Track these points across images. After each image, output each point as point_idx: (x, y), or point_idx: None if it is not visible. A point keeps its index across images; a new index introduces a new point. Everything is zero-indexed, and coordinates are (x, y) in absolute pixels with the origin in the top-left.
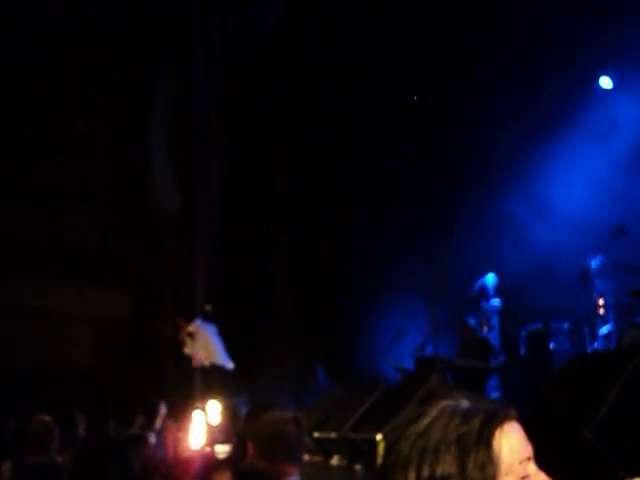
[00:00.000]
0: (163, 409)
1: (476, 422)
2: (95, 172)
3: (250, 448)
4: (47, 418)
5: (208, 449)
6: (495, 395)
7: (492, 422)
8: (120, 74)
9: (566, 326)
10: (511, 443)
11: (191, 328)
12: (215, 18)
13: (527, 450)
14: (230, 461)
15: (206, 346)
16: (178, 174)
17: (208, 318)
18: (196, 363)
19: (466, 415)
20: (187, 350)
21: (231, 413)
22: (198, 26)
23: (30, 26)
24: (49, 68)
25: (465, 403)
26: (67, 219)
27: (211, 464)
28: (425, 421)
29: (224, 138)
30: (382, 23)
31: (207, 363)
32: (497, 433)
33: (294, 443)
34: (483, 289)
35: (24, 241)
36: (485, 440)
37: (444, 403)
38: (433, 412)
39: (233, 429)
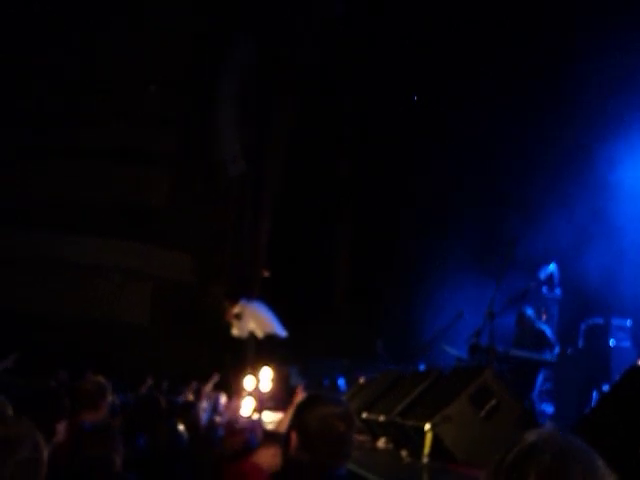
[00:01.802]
0: (215, 375)
1: None
2: (163, 136)
3: (294, 439)
4: (101, 378)
5: (257, 416)
6: (547, 387)
7: None
8: (194, 41)
9: (628, 324)
10: None
11: (237, 309)
12: None
13: None
14: (279, 439)
15: (257, 320)
16: (244, 142)
17: (266, 285)
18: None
19: None
20: (235, 331)
21: (283, 382)
22: None
23: None
24: (126, 35)
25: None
26: (134, 180)
27: (259, 434)
28: None
29: (291, 109)
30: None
31: (260, 334)
32: None
33: (341, 441)
34: (550, 277)
35: (90, 199)
36: None
37: None
38: None
39: (284, 398)
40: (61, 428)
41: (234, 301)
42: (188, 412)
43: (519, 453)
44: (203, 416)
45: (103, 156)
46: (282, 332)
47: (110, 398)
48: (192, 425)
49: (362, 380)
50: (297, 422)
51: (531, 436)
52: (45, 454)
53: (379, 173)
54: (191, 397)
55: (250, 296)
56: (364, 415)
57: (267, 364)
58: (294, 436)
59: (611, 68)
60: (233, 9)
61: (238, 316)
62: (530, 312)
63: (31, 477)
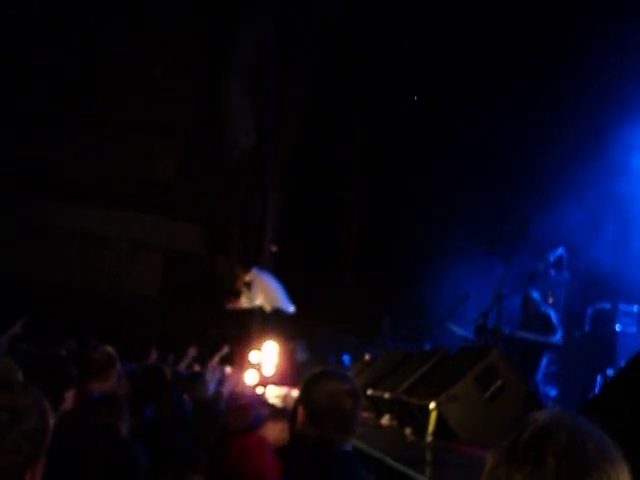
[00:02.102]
0: (224, 347)
1: None
2: (174, 108)
3: (301, 414)
4: (110, 348)
5: (262, 389)
6: (552, 370)
7: None
8: (203, 17)
9: (635, 309)
10: None
11: (248, 277)
12: None
13: None
14: (286, 414)
15: (265, 292)
16: (256, 116)
17: (274, 258)
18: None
19: None
20: (244, 300)
21: (288, 356)
22: None
23: None
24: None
25: None
26: (145, 152)
27: (265, 409)
28: None
29: (303, 85)
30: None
31: (268, 308)
32: None
33: (347, 416)
34: (558, 260)
35: (102, 171)
36: None
37: None
38: None
39: (289, 372)
40: (69, 396)
41: (247, 269)
42: (194, 383)
43: (534, 432)
44: (209, 387)
45: (113, 128)
46: (289, 307)
47: (119, 368)
48: (197, 396)
49: (368, 357)
50: (304, 397)
51: (542, 416)
52: (51, 422)
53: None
54: (197, 368)
55: (261, 268)
56: (369, 392)
57: (273, 338)
58: (301, 411)
59: (624, 53)
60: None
61: (248, 285)
62: (536, 295)
63: (37, 446)
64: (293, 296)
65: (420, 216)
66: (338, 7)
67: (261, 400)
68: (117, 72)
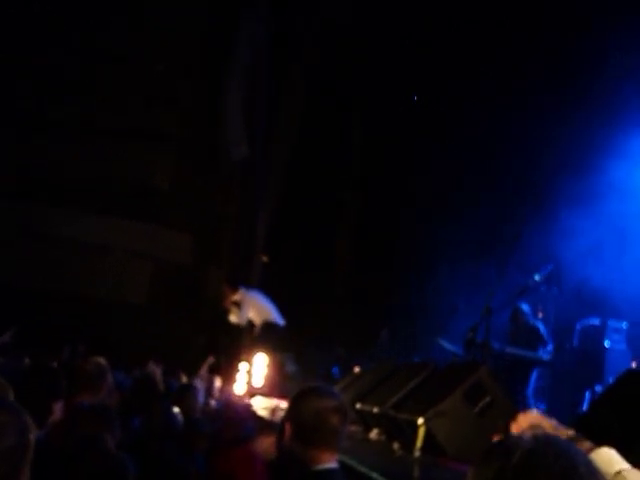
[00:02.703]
0: (210, 358)
1: None
2: (168, 116)
3: (289, 430)
4: (101, 360)
5: (249, 401)
6: (540, 385)
7: None
8: (201, 22)
9: (624, 326)
10: None
11: (237, 297)
12: None
13: None
14: (275, 428)
15: (255, 308)
16: (251, 126)
17: (264, 269)
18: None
19: None
20: (233, 318)
21: (277, 368)
22: None
23: None
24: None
25: None
26: (138, 159)
27: (256, 422)
28: None
29: (299, 94)
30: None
31: (259, 322)
32: None
33: (334, 433)
34: (549, 275)
35: (93, 178)
36: None
37: None
38: None
39: (278, 384)
40: (57, 408)
41: (234, 288)
42: (184, 395)
43: (523, 457)
44: (199, 398)
45: (107, 135)
46: (280, 321)
47: (110, 380)
48: (188, 408)
49: (357, 370)
50: (292, 414)
51: (527, 440)
52: (32, 437)
53: (386, 165)
54: (185, 379)
55: (249, 282)
56: (358, 406)
57: (262, 350)
58: (288, 427)
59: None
60: None
61: (237, 304)
62: (526, 308)
63: (17, 462)
64: (283, 307)
65: (420, 219)
66: (346, 13)
67: (251, 412)
68: (116, 73)
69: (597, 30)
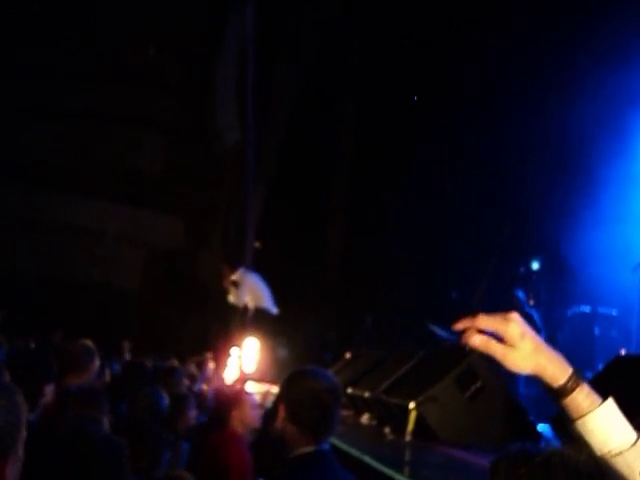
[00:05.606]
0: (203, 355)
1: None
2: (160, 100)
3: (282, 411)
4: (89, 342)
5: (240, 385)
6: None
7: None
8: (193, 7)
9: (614, 313)
10: None
11: (235, 277)
12: None
13: None
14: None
15: (252, 292)
16: (241, 111)
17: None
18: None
19: None
20: (231, 298)
21: (269, 353)
22: None
23: None
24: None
25: None
26: (130, 144)
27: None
28: None
29: (291, 80)
30: None
31: (252, 307)
32: None
33: (327, 414)
34: (541, 263)
35: (85, 162)
36: None
37: None
38: None
39: (269, 370)
40: (49, 390)
41: (233, 268)
42: (171, 377)
43: (537, 469)
44: (188, 382)
45: (99, 119)
46: (273, 308)
47: (97, 362)
48: (173, 390)
49: (348, 355)
50: (285, 395)
51: (541, 451)
52: (24, 417)
53: (378, 151)
54: (176, 363)
55: (241, 266)
56: (349, 390)
57: (253, 335)
58: (282, 408)
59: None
60: None
61: (235, 284)
62: (521, 295)
63: (8, 440)
64: (275, 292)
65: (408, 211)
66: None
67: (236, 391)
68: (108, 58)
69: (599, 30)
